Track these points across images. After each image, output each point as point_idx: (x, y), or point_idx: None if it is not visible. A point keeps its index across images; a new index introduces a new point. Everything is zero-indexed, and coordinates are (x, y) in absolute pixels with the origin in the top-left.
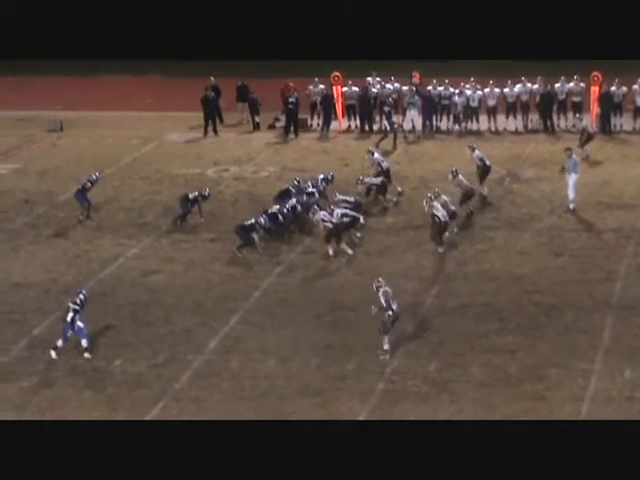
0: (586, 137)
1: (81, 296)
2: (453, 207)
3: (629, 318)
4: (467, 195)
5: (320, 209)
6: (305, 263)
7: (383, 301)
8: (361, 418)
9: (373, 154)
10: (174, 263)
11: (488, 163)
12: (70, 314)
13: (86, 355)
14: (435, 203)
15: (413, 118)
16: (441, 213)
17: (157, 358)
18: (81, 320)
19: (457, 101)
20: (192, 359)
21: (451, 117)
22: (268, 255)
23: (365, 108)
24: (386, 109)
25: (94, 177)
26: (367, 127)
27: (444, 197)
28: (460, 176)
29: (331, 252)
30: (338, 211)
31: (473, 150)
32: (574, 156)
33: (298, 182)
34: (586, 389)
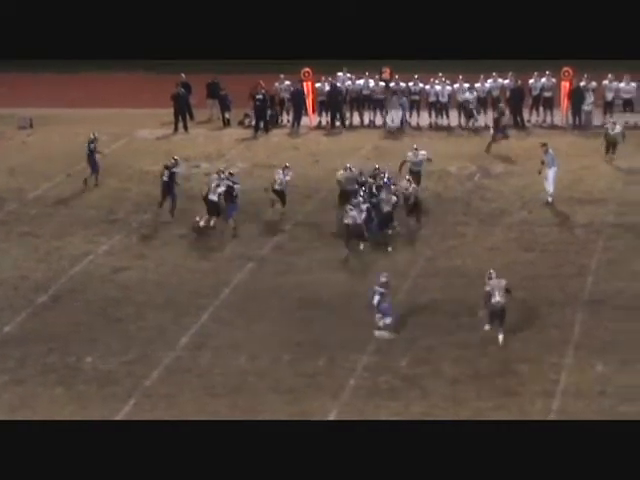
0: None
1: None
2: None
3: (600, 312)
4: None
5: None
6: (276, 259)
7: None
8: (332, 415)
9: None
10: (145, 259)
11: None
12: None
13: None
14: (349, 211)
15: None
16: (350, 219)
17: (128, 355)
18: None
19: (468, 97)
20: (163, 356)
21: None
22: (238, 251)
23: (335, 104)
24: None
25: (92, 137)
26: (339, 123)
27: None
28: None
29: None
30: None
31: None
32: (550, 151)
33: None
34: (557, 384)
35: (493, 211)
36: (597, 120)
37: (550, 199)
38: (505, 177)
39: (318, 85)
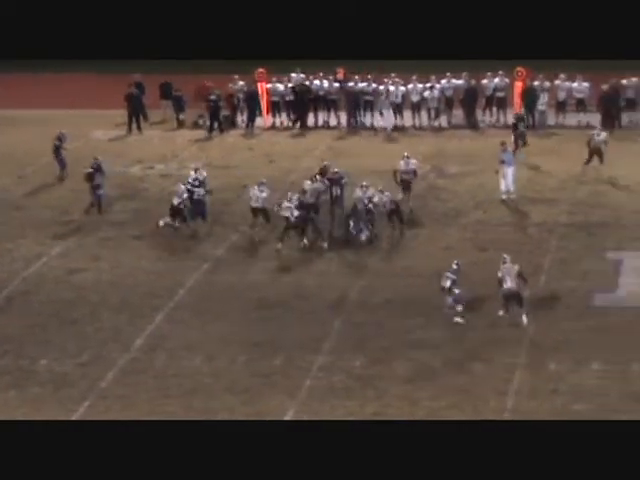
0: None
1: None
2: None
3: (553, 312)
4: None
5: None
6: (231, 260)
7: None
8: (289, 415)
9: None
10: (99, 261)
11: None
12: None
13: None
14: (285, 203)
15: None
16: (289, 213)
17: (83, 356)
18: None
19: (428, 96)
20: (118, 357)
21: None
22: (194, 252)
23: (302, 104)
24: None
25: (59, 134)
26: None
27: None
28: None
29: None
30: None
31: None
32: (509, 149)
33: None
34: (511, 383)
35: (448, 211)
36: (551, 120)
37: (512, 196)
38: (459, 177)
39: (270, 85)
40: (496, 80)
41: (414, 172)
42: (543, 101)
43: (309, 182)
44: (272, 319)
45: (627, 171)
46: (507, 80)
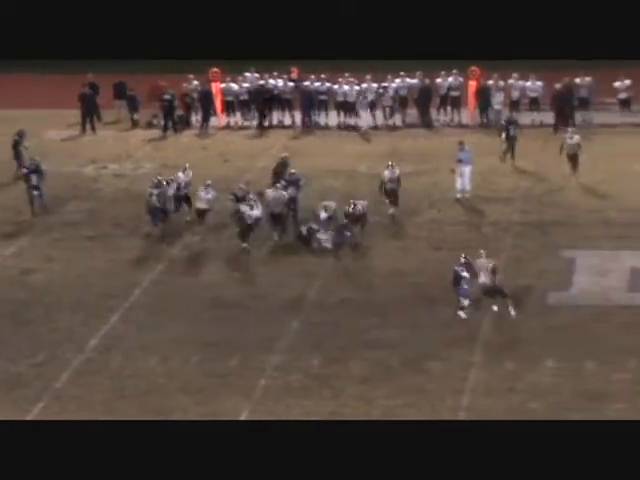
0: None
1: None
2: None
3: (507, 309)
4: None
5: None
6: (186, 260)
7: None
8: (244, 415)
9: None
10: (53, 261)
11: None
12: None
13: None
14: (243, 207)
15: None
16: (247, 214)
17: (37, 357)
18: None
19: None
20: (72, 358)
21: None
22: (148, 253)
23: (262, 104)
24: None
25: (19, 131)
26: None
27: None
28: None
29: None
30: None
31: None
32: (467, 148)
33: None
34: (466, 381)
35: (402, 210)
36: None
37: (467, 195)
38: (414, 176)
39: (224, 85)
40: (450, 79)
41: (398, 180)
42: (498, 100)
43: (270, 191)
44: (227, 319)
45: (581, 169)
46: (461, 79)
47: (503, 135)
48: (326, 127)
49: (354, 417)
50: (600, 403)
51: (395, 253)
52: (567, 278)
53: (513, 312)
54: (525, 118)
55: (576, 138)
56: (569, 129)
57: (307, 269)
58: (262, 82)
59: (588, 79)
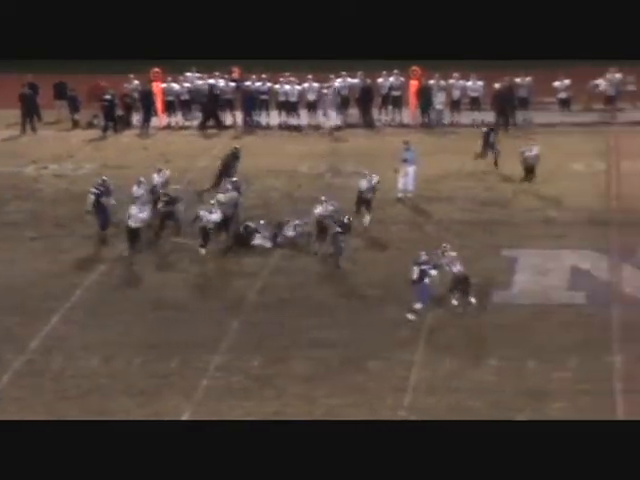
0: None
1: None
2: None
3: (450, 309)
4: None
5: None
6: (128, 261)
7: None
8: (186, 415)
9: None
10: None
11: None
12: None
13: None
14: (202, 212)
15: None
16: (206, 219)
17: None
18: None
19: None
20: (13, 359)
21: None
22: (90, 253)
23: (210, 104)
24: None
25: None
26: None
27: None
28: None
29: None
30: None
31: None
32: (412, 148)
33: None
34: (408, 380)
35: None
36: (446, 119)
37: (409, 195)
38: (356, 176)
39: (165, 85)
40: (391, 79)
41: (374, 190)
42: (439, 100)
43: (222, 195)
44: (169, 320)
45: (519, 169)
46: (403, 79)
47: (480, 142)
48: (267, 127)
49: (296, 417)
50: (541, 401)
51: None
52: (508, 277)
53: (474, 301)
54: (466, 118)
55: (535, 150)
56: (530, 142)
57: (248, 270)
58: (202, 82)
59: (528, 79)
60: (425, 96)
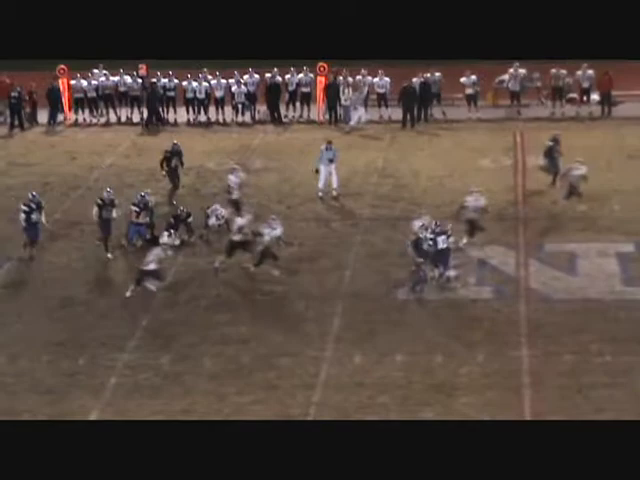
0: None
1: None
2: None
3: (358, 305)
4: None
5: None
6: (34, 259)
7: None
8: (94, 415)
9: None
10: None
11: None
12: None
13: None
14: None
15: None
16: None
17: None
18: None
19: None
20: None
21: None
22: None
23: (152, 102)
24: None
25: None
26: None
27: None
28: None
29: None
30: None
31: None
32: (333, 147)
33: None
34: (317, 376)
35: (252, 207)
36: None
37: (334, 193)
38: (263, 173)
39: (73, 82)
40: (300, 75)
41: (484, 209)
42: (347, 96)
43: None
44: (76, 318)
45: (429, 165)
46: (311, 75)
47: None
48: (175, 124)
49: (205, 414)
50: (449, 396)
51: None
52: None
53: (453, 273)
54: (373, 114)
55: (582, 170)
56: (575, 162)
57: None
58: (105, 79)
59: (437, 74)
60: (332, 92)
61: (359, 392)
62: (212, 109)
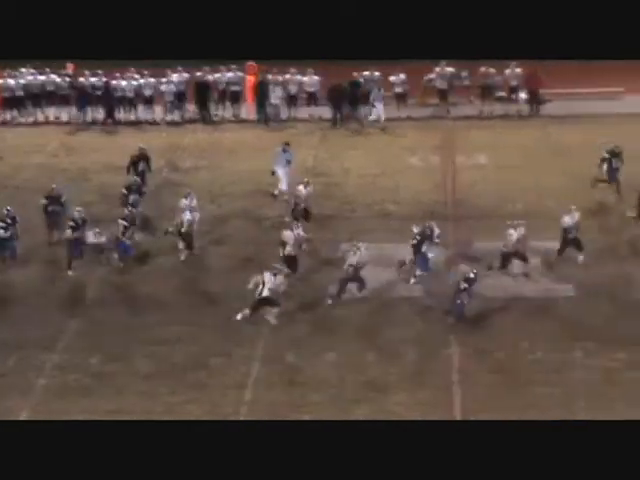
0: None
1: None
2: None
3: (290, 305)
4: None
5: None
6: None
7: None
8: (23, 415)
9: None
10: None
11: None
12: None
13: None
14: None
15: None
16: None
17: None
18: None
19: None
20: None
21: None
22: None
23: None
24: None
25: None
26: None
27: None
28: None
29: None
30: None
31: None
32: (290, 150)
33: None
34: (249, 375)
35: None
36: (283, 114)
37: (285, 196)
38: (193, 171)
39: (1, 81)
40: (229, 74)
41: (577, 227)
42: (276, 95)
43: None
44: (5, 318)
45: (359, 163)
46: (241, 74)
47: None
48: (104, 123)
49: (136, 414)
50: (381, 394)
51: (176, 249)
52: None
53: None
54: (303, 113)
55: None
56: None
57: (88, 267)
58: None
59: (367, 73)
60: (262, 91)
61: (290, 391)
62: (141, 108)
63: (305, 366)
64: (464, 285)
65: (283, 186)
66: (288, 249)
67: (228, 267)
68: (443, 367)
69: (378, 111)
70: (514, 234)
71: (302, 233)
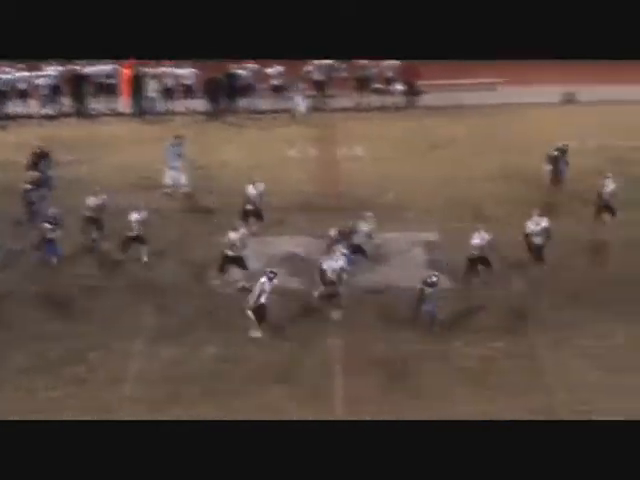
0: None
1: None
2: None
3: (170, 298)
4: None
5: None
6: None
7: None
8: None
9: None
10: None
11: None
12: None
13: None
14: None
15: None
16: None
17: None
18: None
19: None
20: None
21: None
22: None
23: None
24: None
25: None
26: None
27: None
28: None
29: None
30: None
31: None
32: (182, 143)
33: None
34: (127, 370)
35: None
36: (160, 106)
37: (185, 189)
38: (74, 165)
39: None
40: (105, 67)
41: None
42: (152, 88)
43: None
44: None
45: (236, 156)
46: (117, 66)
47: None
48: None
49: (14, 410)
50: (260, 387)
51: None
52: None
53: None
54: (179, 106)
55: (611, 187)
56: (606, 176)
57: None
58: None
59: (250, 65)
60: (137, 84)
61: (169, 384)
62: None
63: (183, 360)
64: (429, 290)
65: (169, 180)
66: (233, 251)
67: (112, 261)
68: (323, 359)
69: (300, 104)
70: (477, 239)
71: (247, 232)
